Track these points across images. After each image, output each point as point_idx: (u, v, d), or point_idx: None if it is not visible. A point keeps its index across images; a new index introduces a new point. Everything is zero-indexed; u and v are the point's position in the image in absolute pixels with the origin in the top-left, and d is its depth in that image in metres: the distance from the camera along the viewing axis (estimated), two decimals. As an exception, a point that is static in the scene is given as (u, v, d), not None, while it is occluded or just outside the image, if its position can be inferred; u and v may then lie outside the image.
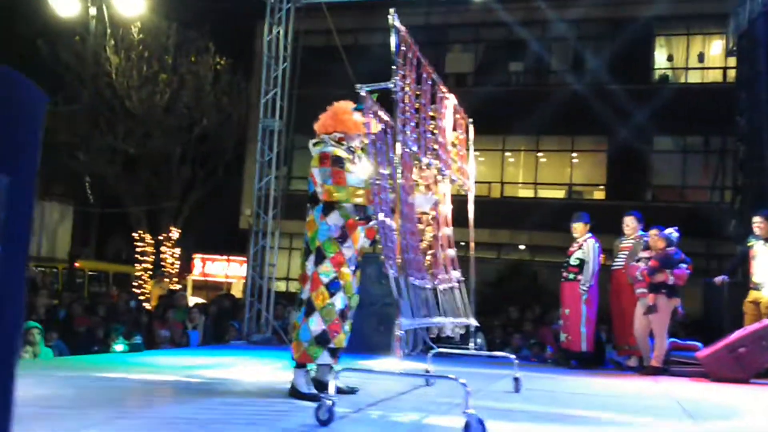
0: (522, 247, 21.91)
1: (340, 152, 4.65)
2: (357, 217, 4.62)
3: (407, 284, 4.35)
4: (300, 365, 4.61)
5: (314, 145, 4.77)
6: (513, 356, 6.16)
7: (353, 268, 4.65)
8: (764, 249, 7.97)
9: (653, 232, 8.21)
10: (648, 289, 7.96)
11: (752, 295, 7.98)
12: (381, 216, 4.32)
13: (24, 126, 1.83)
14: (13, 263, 1.86)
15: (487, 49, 23.14)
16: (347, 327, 4.69)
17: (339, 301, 4.53)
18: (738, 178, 12.71)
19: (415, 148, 4.67)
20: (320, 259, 4.57)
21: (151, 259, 20.68)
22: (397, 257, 4.20)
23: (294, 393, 4.62)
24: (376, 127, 4.52)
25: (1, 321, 1.80)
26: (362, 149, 4.77)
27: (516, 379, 5.68)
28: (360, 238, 4.68)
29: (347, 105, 4.81)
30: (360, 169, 4.61)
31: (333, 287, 4.52)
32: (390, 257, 4.24)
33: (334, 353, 4.58)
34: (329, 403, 3.70)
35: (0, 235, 1.81)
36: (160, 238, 21.27)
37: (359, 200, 4.56)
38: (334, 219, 4.59)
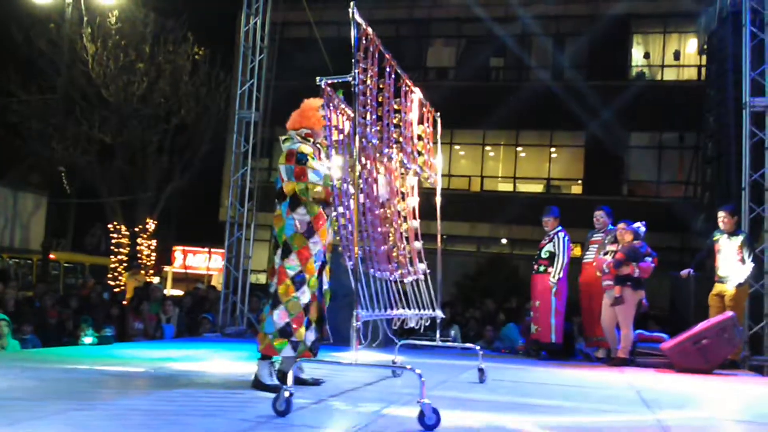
0: (504, 241, 22.05)
1: (305, 148, 4.69)
2: (326, 213, 4.67)
3: (366, 276, 4.39)
4: (265, 357, 4.65)
5: (283, 141, 4.82)
6: (477, 347, 6.23)
7: (320, 262, 4.69)
8: (728, 243, 8.10)
9: (621, 225, 8.31)
10: (614, 282, 8.06)
11: (717, 288, 8.11)
12: (340, 209, 4.36)
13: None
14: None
15: (469, 44, 23.23)
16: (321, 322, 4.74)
17: (304, 295, 4.57)
18: (706, 174, 12.89)
19: (375, 141, 4.70)
20: (287, 252, 4.62)
21: (126, 250, 20.54)
22: (356, 249, 4.23)
23: (257, 384, 4.65)
24: (337, 120, 4.56)
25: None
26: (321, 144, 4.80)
27: (480, 370, 5.75)
28: (328, 233, 4.73)
29: (315, 102, 4.84)
30: (322, 166, 4.63)
31: (298, 281, 4.56)
32: (348, 248, 4.28)
33: (297, 346, 4.59)
34: (287, 394, 3.74)
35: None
36: (137, 229, 21.12)
37: (317, 196, 4.59)
38: (301, 214, 4.63)
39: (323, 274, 4.77)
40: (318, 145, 4.83)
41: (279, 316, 4.54)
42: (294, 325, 4.54)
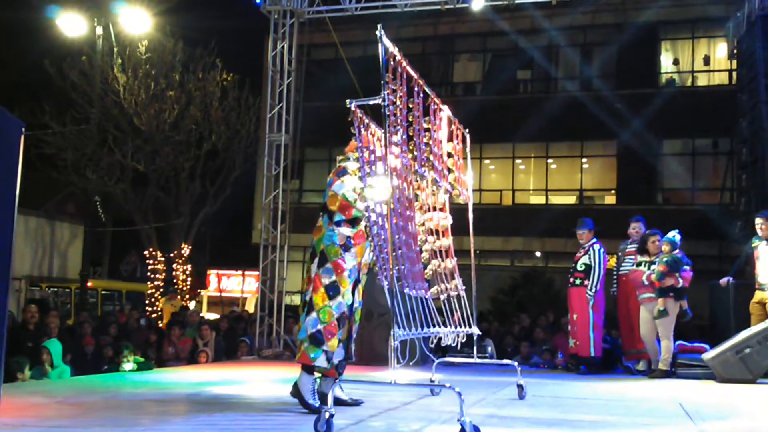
0: (538, 254, 21.89)
1: (352, 165, 4.82)
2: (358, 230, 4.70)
3: (402, 294, 4.39)
4: (307, 369, 4.67)
5: (340, 161, 4.97)
6: (515, 363, 6.18)
7: (354, 278, 4.73)
8: (767, 249, 7.94)
9: (654, 237, 8.22)
10: (657, 294, 7.95)
11: (758, 295, 7.94)
12: (374, 229, 4.37)
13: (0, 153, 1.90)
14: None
15: (495, 58, 23.20)
16: (351, 341, 4.75)
17: (338, 306, 4.62)
18: (742, 179, 12.70)
19: (407, 161, 4.72)
20: (323, 262, 4.69)
21: (162, 276, 20.75)
22: (391, 268, 4.24)
23: (296, 394, 4.69)
24: (368, 141, 4.60)
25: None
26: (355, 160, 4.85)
27: (520, 386, 5.70)
28: (365, 253, 4.78)
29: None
30: (353, 182, 4.71)
31: (332, 290, 4.62)
32: (384, 268, 4.29)
33: (330, 357, 4.61)
34: (327, 415, 3.74)
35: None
36: (172, 255, 21.35)
37: (329, 204, 4.71)
38: (343, 228, 4.70)
39: (356, 292, 4.79)
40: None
41: (311, 324, 4.60)
42: (326, 334, 4.58)
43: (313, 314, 4.61)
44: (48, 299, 16.87)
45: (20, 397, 5.20)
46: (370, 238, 4.68)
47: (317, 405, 4.56)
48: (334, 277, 4.62)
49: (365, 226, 4.75)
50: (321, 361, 4.59)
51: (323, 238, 4.71)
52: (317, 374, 4.70)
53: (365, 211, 4.66)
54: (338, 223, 4.69)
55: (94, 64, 17.77)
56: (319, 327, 4.58)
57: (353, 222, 4.71)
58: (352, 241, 4.70)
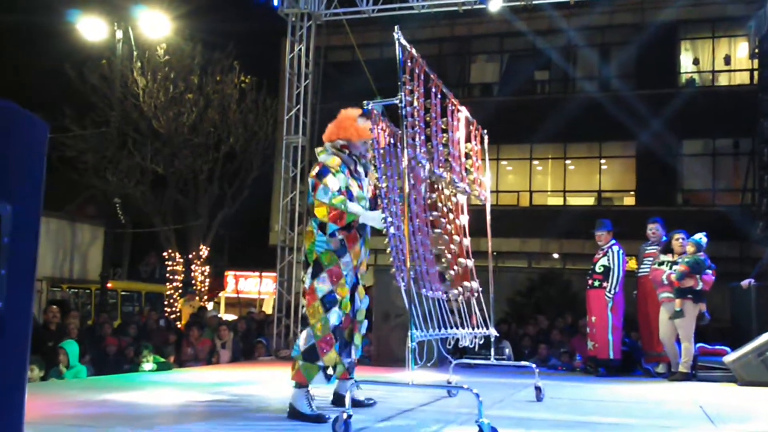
0: (555, 255, 21.78)
1: (333, 160, 4.48)
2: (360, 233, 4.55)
3: (419, 296, 4.38)
4: (299, 385, 4.36)
5: (319, 153, 4.65)
6: (533, 365, 6.15)
7: (352, 283, 4.51)
8: (789, 251, 7.87)
9: (678, 235, 8.14)
10: (675, 294, 7.88)
11: (780, 297, 7.89)
12: (392, 230, 4.36)
13: (26, 156, 1.92)
14: (18, 285, 1.94)
15: (512, 59, 23.13)
16: (357, 341, 4.65)
17: (334, 316, 4.34)
18: (763, 180, 12.57)
19: (425, 162, 4.71)
20: (317, 271, 4.42)
21: (181, 277, 20.88)
22: (408, 269, 4.22)
23: (294, 415, 4.34)
24: (385, 140, 4.58)
25: (9, 339, 1.89)
26: (372, 163, 4.73)
27: (537, 388, 5.68)
28: (361, 253, 4.57)
29: (352, 112, 4.65)
30: (333, 184, 4.40)
31: (328, 301, 4.34)
32: (400, 269, 4.28)
33: (326, 371, 4.37)
34: (345, 416, 3.74)
35: (4, 259, 1.90)
36: (190, 256, 21.49)
37: (318, 214, 4.42)
38: (337, 234, 4.45)
39: (356, 294, 4.59)
40: (354, 157, 4.63)
41: (304, 339, 4.34)
42: (322, 348, 4.29)
43: (308, 329, 4.35)
44: (69, 300, 17.01)
45: (40, 397, 5.25)
46: (386, 237, 4.59)
47: (317, 413, 4.29)
48: (330, 287, 4.35)
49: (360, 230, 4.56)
50: (319, 379, 4.35)
51: (315, 246, 4.44)
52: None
53: (363, 211, 4.43)
54: (333, 234, 4.41)
55: (114, 67, 17.93)
56: (313, 341, 4.30)
57: (348, 227, 4.44)
58: (347, 244, 4.45)
